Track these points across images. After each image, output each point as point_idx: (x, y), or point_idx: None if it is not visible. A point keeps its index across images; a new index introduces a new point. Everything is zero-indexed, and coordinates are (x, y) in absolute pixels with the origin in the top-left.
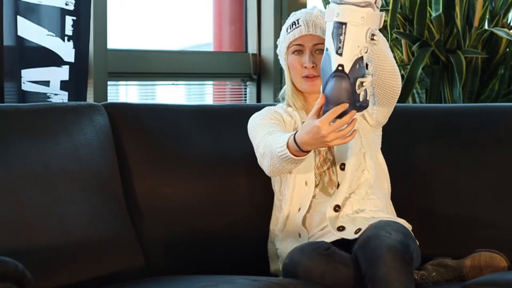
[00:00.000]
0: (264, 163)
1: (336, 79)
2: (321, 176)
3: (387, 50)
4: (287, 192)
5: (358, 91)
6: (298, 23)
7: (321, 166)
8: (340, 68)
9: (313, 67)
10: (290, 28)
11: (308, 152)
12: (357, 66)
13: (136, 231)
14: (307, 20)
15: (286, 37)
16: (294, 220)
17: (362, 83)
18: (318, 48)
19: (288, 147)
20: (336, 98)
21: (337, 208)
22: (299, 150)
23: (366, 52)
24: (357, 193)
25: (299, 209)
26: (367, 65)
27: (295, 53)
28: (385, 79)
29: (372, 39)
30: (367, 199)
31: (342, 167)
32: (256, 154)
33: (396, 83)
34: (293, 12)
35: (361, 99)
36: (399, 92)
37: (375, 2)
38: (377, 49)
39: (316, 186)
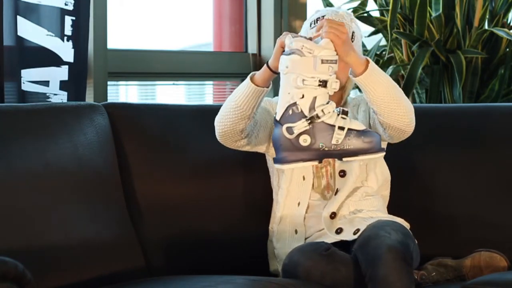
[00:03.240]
0: (217, 117)
1: (275, 127)
2: (318, 177)
3: (382, 89)
4: (284, 185)
5: (289, 137)
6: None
7: (319, 167)
8: (275, 117)
9: None
10: (314, 24)
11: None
12: (290, 112)
13: (136, 231)
14: (332, 18)
15: (309, 31)
16: (292, 215)
17: (291, 127)
18: None
19: (252, 77)
20: (274, 143)
21: (332, 215)
22: (265, 69)
23: (302, 98)
24: (354, 195)
25: (298, 204)
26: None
27: None
28: (388, 119)
29: (304, 84)
30: (363, 199)
31: (341, 174)
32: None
33: (402, 123)
34: (318, 9)
35: (303, 144)
36: (410, 132)
37: (302, 48)
38: (370, 88)
39: (313, 187)
